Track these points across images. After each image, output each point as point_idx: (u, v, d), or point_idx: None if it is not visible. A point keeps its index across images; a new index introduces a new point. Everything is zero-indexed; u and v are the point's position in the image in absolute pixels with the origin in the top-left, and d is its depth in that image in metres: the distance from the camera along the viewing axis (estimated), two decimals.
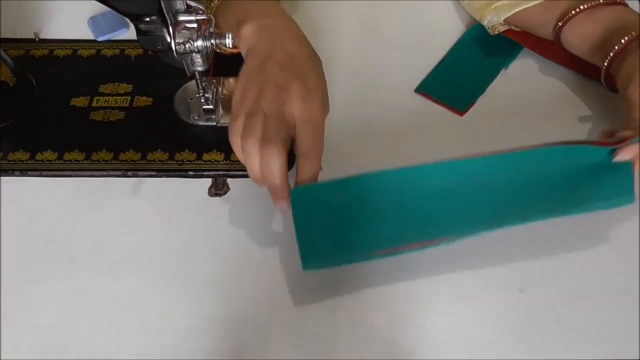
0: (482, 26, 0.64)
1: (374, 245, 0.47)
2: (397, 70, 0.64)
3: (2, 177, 0.56)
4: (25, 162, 0.57)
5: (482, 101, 0.61)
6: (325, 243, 0.46)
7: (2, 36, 0.67)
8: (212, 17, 0.51)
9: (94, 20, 0.68)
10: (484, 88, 0.62)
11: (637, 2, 0.69)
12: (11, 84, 0.59)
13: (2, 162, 0.57)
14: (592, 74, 0.61)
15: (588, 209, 0.49)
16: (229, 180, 0.56)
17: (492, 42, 0.64)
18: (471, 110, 0.61)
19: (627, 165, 0.47)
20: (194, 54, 0.51)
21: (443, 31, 0.68)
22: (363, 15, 0.70)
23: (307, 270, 0.47)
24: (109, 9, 0.50)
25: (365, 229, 0.47)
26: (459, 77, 0.63)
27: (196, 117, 0.60)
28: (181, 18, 0.50)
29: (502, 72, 0.64)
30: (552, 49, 0.61)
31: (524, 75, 0.64)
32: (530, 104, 0.61)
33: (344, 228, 0.47)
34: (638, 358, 0.47)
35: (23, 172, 0.56)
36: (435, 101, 0.61)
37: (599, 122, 0.60)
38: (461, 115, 0.60)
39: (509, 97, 0.62)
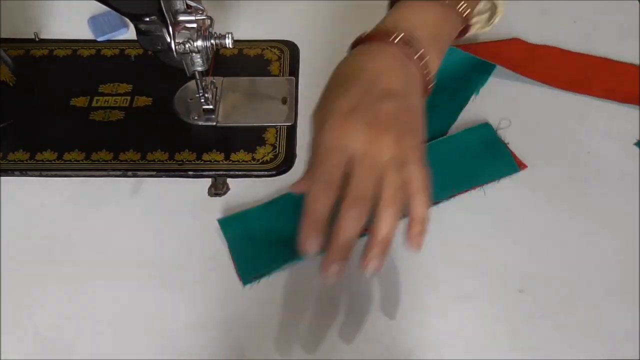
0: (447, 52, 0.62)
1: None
2: None
3: (2, 177, 0.56)
4: (25, 162, 0.57)
5: (456, 129, 0.59)
6: (258, 260, 0.50)
7: (2, 36, 0.67)
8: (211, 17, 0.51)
9: (94, 20, 0.68)
10: (455, 117, 0.60)
11: (638, 1, 0.69)
12: (11, 84, 0.59)
13: (2, 162, 0.57)
14: (566, 86, 0.61)
15: (482, 182, 0.54)
16: (228, 180, 0.56)
17: (460, 67, 0.62)
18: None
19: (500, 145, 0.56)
20: (194, 54, 0.51)
21: None
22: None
23: (247, 285, 0.50)
24: (109, 9, 0.50)
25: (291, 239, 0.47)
26: (428, 107, 0.58)
27: (196, 117, 0.60)
28: (181, 18, 0.50)
29: (473, 98, 0.61)
30: (526, 64, 0.60)
31: (496, 98, 0.61)
32: (506, 128, 0.59)
33: (272, 243, 0.51)
34: (638, 358, 0.47)
35: (23, 172, 0.56)
36: None
37: (583, 135, 0.59)
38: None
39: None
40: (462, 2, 0.49)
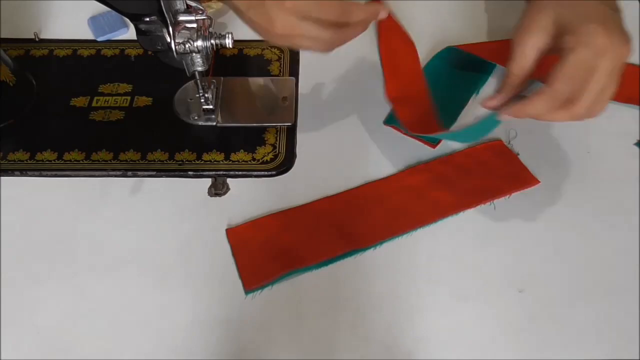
0: (447, 51, 0.62)
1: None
2: (364, 101, 0.62)
3: (2, 177, 0.56)
4: (25, 162, 0.57)
5: (456, 129, 0.59)
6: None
7: (2, 36, 0.67)
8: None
9: (94, 20, 0.68)
10: (456, 117, 0.60)
11: (638, 1, 0.69)
12: (11, 84, 0.59)
13: (2, 162, 0.57)
14: None
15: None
16: (229, 180, 0.56)
17: (460, 67, 0.62)
18: (444, 141, 0.58)
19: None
20: (194, 54, 0.51)
21: None
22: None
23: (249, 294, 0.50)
24: (109, 9, 0.50)
25: None
26: None
27: (196, 117, 0.60)
28: (181, 18, 0.50)
29: (473, 98, 0.61)
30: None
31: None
32: (507, 128, 0.59)
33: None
34: (638, 358, 0.47)
35: (23, 172, 0.56)
36: (405, 134, 0.58)
37: (583, 135, 0.59)
38: (433, 147, 0.58)
39: None
40: None
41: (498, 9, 0.70)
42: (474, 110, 0.61)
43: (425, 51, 0.65)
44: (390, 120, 0.60)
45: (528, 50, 0.49)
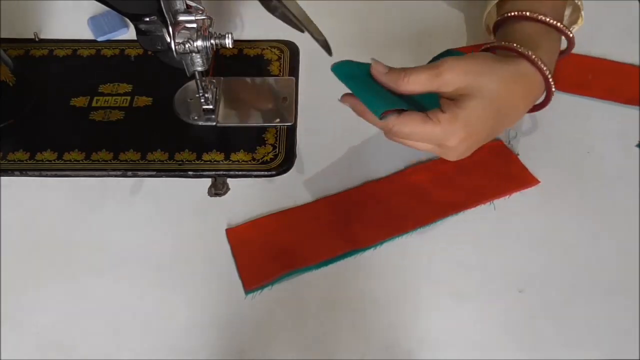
0: (447, 54, 0.61)
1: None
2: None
3: (2, 177, 0.56)
4: (25, 162, 0.57)
5: None
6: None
7: (2, 36, 0.67)
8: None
9: (94, 20, 0.68)
10: None
11: (638, 1, 0.69)
12: (11, 84, 0.59)
13: (2, 162, 0.57)
14: (567, 88, 0.61)
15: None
16: (228, 180, 0.56)
17: None
18: None
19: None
20: (193, 54, 0.51)
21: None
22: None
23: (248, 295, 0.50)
24: (109, 9, 0.50)
25: None
26: (427, 109, 0.60)
27: (196, 117, 0.60)
28: (181, 18, 0.50)
29: None
30: None
31: None
32: (507, 129, 0.59)
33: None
34: (638, 358, 0.47)
35: (23, 172, 0.56)
36: None
37: (584, 136, 0.60)
38: None
39: None
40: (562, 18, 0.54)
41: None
42: None
43: (425, 52, 0.65)
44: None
45: (417, 86, 0.49)
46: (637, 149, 0.58)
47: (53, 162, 0.57)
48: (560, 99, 0.62)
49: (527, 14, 0.53)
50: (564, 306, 0.49)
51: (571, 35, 0.53)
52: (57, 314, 0.49)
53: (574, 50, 0.64)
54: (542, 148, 0.58)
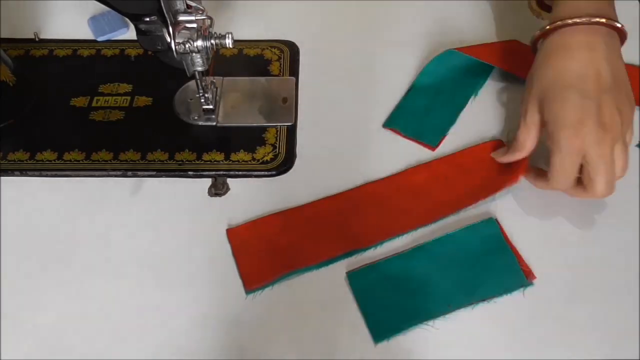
0: (448, 54, 0.62)
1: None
2: (364, 101, 0.62)
3: (2, 177, 0.56)
4: (25, 162, 0.57)
5: (455, 131, 0.59)
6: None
7: (2, 36, 0.67)
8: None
9: (94, 20, 0.68)
10: (454, 119, 0.60)
11: (638, 1, 0.69)
12: (11, 84, 0.59)
13: (2, 162, 0.57)
14: None
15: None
16: (229, 180, 0.56)
17: (459, 69, 0.62)
18: (443, 142, 0.58)
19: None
20: (194, 54, 0.51)
21: (402, 66, 0.64)
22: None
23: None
24: (109, 9, 0.50)
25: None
26: (427, 109, 0.60)
27: (196, 117, 0.60)
28: (181, 18, 0.50)
29: (472, 99, 0.61)
30: (525, 66, 0.57)
31: (495, 100, 0.62)
32: (507, 129, 0.59)
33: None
34: (638, 358, 0.47)
35: (23, 172, 0.56)
36: (405, 136, 0.59)
37: None
38: (433, 150, 0.58)
39: (483, 125, 0.60)
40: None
41: (498, 10, 0.70)
42: (474, 111, 0.61)
43: (424, 53, 0.65)
44: (390, 123, 0.60)
45: (529, 144, 0.53)
46: (637, 149, 0.58)
47: (53, 162, 0.57)
48: None
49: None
50: (564, 306, 0.49)
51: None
52: (57, 314, 0.49)
53: None
54: (541, 148, 0.58)
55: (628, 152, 0.49)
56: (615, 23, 0.51)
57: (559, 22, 0.51)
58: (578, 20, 0.50)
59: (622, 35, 0.52)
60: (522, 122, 0.52)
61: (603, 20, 0.50)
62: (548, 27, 0.52)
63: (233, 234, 0.53)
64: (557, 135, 0.49)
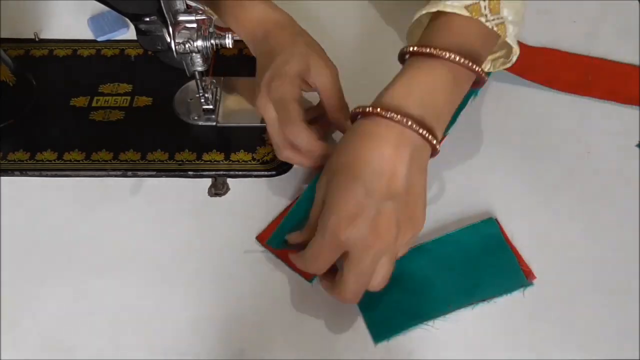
0: None
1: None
2: (364, 101, 0.61)
3: (2, 177, 0.56)
4: (25, 162, 0.57)
5: (455, 131, 0.58)
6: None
7: (2, 36, 0.67)
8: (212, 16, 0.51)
9: (94, 20, 0.68)
10: (455, 119, 0.58)
11: (638, 1, 0.69)
12: (11, 84, 0.59)
13: (2, 162, 0.57)
14: (567, 88, 0.61)
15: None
16: (228, 180, 0.56)
17: None
18: (444, 143, 0.56)
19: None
20: (194, 54, 0.51)
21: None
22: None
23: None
24: (109, 9, 0.50)
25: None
26: None
27: (196, 117, 0.60)
28: (181, 18, 0.50)
29: (471, 99, 0.60)
30: (526, 67, 0.58)
31: (495, 100, 0.61)
32: (507, 129, 0.59)
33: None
34: (638, 358, 0.47)
35: (23, 172, 0.56)
36: None
37: (584, 136, 0.59)
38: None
39: (483, 125, 0.60)
40: (473, 60, 0.46)
41: None
42: (474, 112, 0.61)
43: None
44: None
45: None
46: (637, 149, 0.58)
47: (53, 162, 0.57)
48: (560, 99, 0.62)
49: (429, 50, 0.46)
50: (564, 306, 0.49)
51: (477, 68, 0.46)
52: (57, 314, 0.49)
53: (574, 51, 0.65)
54: (541, 149, 0.58)
55: (392, 269, 0.45)
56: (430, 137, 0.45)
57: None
58: (395, 116, 0.44)
59: (433, 148, 0.46)
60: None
61: (416, 127, 0.44)
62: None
63: (264, 238, 0.52)
64: (326, 219, 0.43)
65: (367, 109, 0.45)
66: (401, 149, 0.44)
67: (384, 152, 0.44)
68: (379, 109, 0.44)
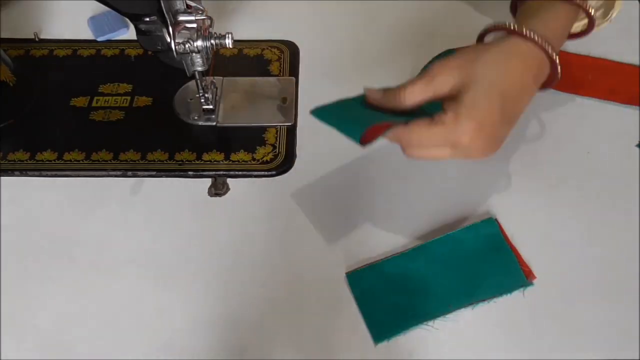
0: (445, 54, 0.59)
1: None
2: None
3: (2, 177, 0.56)
4: (25, 162, 0.57)
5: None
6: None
7: (2, 36, 0.67)
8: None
9: (94, 20, 0.68)
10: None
11: (638, 1, 0.69)
12: (11, 84, 0.59)
13: (2, 162, 0.57)
14: (567, 88, 0.61)
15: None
16: (229, 180, 0.56)
17: None
18: None
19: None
20: (194, 54, 0.51)
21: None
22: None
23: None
24: (109, 9, 0.50)
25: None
26: (427, 107, 0.58)
27: (196, 117, 0.60)
28: (181, 18, 0.50)
29: None
30: None
31: None
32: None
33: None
34: (638, 358, 0.47)
35: (23, 172, 0.56)
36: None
37: (584, 136, 0.59)
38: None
39: None
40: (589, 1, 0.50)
41: (498, 10, 0.70)
42: None
43: (424, 53, 0.65)
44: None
45: (416, 96, 0.48)
46: (637, 149, 0.58)
47: (53, 162, 0.57)
48: (560, 99, 0.62)
49: None
50: (564, 306, 0.49)
51: (588, 8, 0.50)
52: (57, 314, 0.49)
53: (574, 50, 0.65)
54: (541, 149, 0.58)
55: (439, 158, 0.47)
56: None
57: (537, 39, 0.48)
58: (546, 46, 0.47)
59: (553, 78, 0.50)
60: (427, 77, 0.47)
61: (555, 58, 0.48)
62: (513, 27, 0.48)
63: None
64: (458, 113, 0.45)
65: (512, 27, 0.48)
66: (539, 79, 0.48)
67: (529, 81, 0.47)
68: (529, 32, 0.47)
